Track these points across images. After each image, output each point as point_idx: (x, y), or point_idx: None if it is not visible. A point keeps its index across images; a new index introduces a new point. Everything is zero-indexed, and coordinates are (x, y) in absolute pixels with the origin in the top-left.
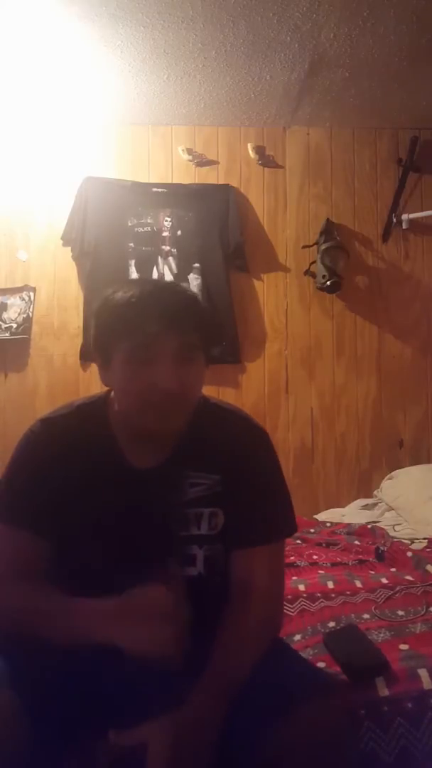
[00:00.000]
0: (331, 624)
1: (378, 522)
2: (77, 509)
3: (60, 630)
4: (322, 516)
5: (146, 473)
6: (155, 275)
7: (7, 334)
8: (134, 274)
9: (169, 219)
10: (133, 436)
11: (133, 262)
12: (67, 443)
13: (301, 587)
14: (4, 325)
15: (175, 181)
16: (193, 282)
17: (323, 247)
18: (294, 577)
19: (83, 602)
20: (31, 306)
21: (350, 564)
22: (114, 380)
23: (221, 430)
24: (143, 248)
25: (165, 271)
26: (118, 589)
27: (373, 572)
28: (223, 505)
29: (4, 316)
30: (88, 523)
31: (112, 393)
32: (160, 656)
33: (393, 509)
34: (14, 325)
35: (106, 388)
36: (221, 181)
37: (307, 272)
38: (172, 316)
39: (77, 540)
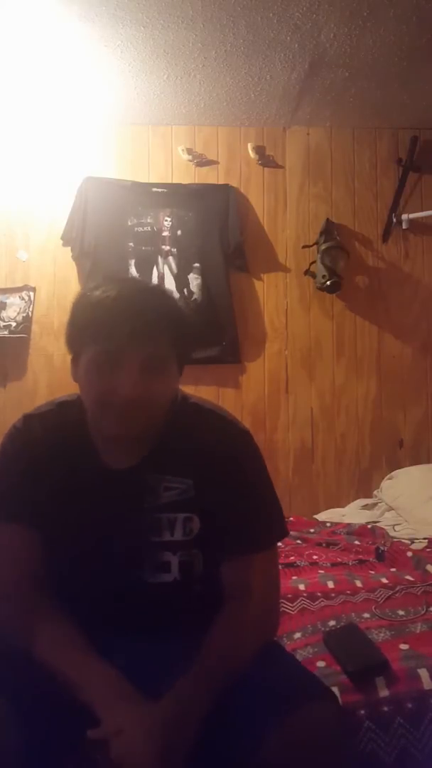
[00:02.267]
0: (332, 623)
1: (378, 522)
2: (56, 509)
3: (57, 675)
4: (322, 516)
5: (120, 474)
6: (155, 275)
7: (5, 332)
8: (134, 274)
9: (169, 219)
10: (103, 436)
11: (133, 262)
12: (47, 441)
13: (301, 587)
14: (2, 324)
15: (175, 181)
16: (193, 282)
17: (323, 247)
18: (294, 577)
19: (93, 665)
20: (31, 306)
21: (350, 564)
22: (79, 379)
23: (199, 433)
24: (143, 248)
25: (165, 271)
26: (98, 593)
27: (373, 572)
28: (199, 511)
29: (3, 314)
30: (64, 522)
31: None
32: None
33: (393, 509)
34: (13, 324)
35: None
36: (221, 181)
37: (307, 272)
38: (143, 325)
39: (55, 539)
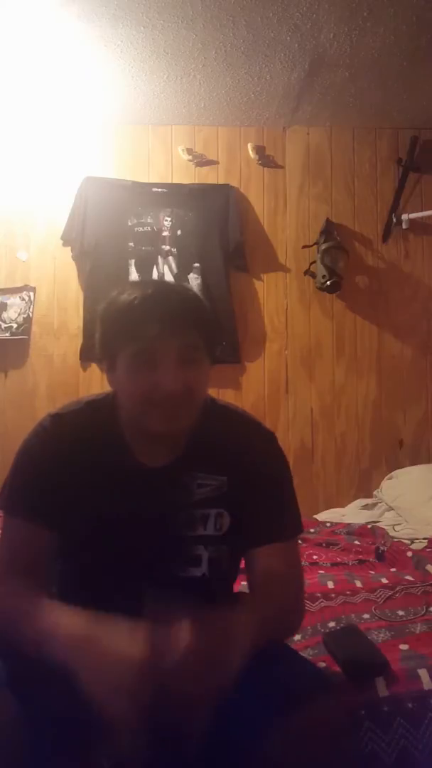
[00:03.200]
0: (331, 624)
1: (378, 522)
2: (85, 506)
3: (29, 633)
4: (322, 516)
5: (154, 472)
6: (155, 275)
7: (7, 334)
8: (134, 274)
9: (169, 219)
10: (141, 436)
11: (133, 262)
12: (77, 440)
13: None
14: (4, 325)
15: (175, 181)
16: (193, 282)
17: (323, 247)
18: None
19: (60, 607)
20: (31, 306)
21: (350, 564)
22: (119, 383)
23: (230, 432)
24: (143, 248)
25: (165, 270)
26: (124, 589)
27: (373, 572)
28: (230, 507)
29: (4, 315)
30: (95, 520)
31: None
32: (116, 717)
33: (393, 509)
34: (14, 325)
35: (105, 389)
36: (221, 181)
37: (307, 272)
38: (173, 318)
39: (84, 537)
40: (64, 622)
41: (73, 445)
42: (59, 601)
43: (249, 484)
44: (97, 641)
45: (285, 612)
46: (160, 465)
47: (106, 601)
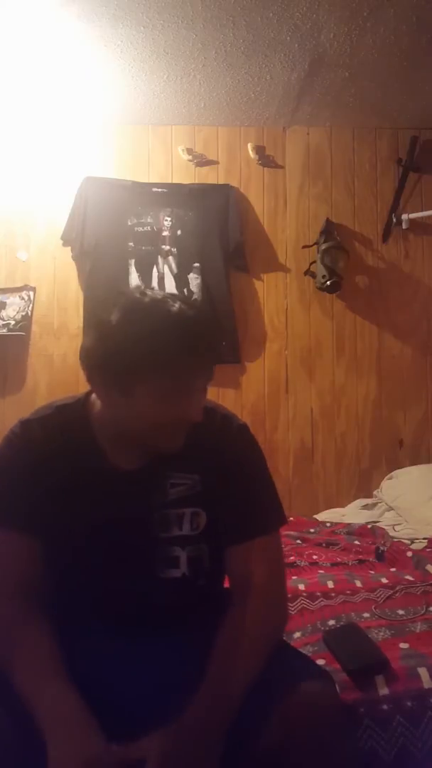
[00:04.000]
0: (331, 622)
1: (378, 522)
2: (60, 511)
3: (14, 678)
4: (322, 516)
5: (129, 474)
6: (155, 275)
7: (4, 331)
8: (134, 274)
9: (169, 219)
10: (116, 439)
11: (133, 262)
12: (48, 445)
13: (301, 587)
14: (1, 322)
15: (175, 181)
16: (193, 282)
17: (323, 247)
18: (294, 577)
19: (46, 674)
20: (31, 305)
21: (350, 564)
22: (136, 410)
23: (201, 430)
24: (143, 248)
25: (165, 270)
26: (106, 592)
27: (373, 572)
28: (205, 505)
29: (3, 313)
30: (71, 525)
31: (93, 396)
32: None
33: (393, 509)
34: (12, 322)
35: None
36: (221, 181)
37: (307, 272)
38: (203, 350)
39: (62, 542)
40: (47, 700)
41: (44, 451)
42: (51, 627)
43: (223, 480)
44: (71, 742)
45: (270, 621)
46: (134, 467)
47: (90, 601)
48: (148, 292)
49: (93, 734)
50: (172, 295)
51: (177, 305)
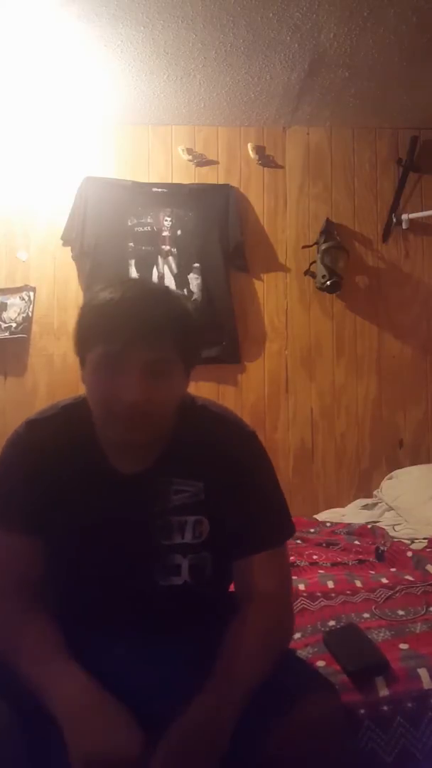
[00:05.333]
0: (331, 623)
1: (378, 522)
2: (62, 512)
3: (24, 670)
4: (322, 516)
5: (130, 478)
6: (155, 275)
7: (6, 334)
8: (134, 274)
9: (169, 219)
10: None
11: (133, 262)
12: (52, 446)
13: (301, 587)
14: (3, 325)
15: (175, 181)
16: (193, 282)
17: (323, 247)
18: (294, 577)
19: (61, 659)
20: (31, 306)
21: (350, 564)
22: (86, 382)
23: (207, 436)
24: (143, 248)
25: (165, 270)
26: (105, 595)
27: (373, 572)
28: (209, 513)
29: (4, 315)
30: (73, 527)
31: None
32: None
33: (393, 509)
34: (14, 325)
35: None
36: (221, 181)
37: (307, 272)
38: (147, 328)
39: (64, 544)
40: (65, 683)
41: (48, 452)
42: (56, 622)
43: (228, 488)
44: (96, 720)
45: (276, 632)
46: (136, 471)
47: (91, 607)
48: (137, 278)
49: (125, 725)
50: (150, 282)
51: (142, 287)
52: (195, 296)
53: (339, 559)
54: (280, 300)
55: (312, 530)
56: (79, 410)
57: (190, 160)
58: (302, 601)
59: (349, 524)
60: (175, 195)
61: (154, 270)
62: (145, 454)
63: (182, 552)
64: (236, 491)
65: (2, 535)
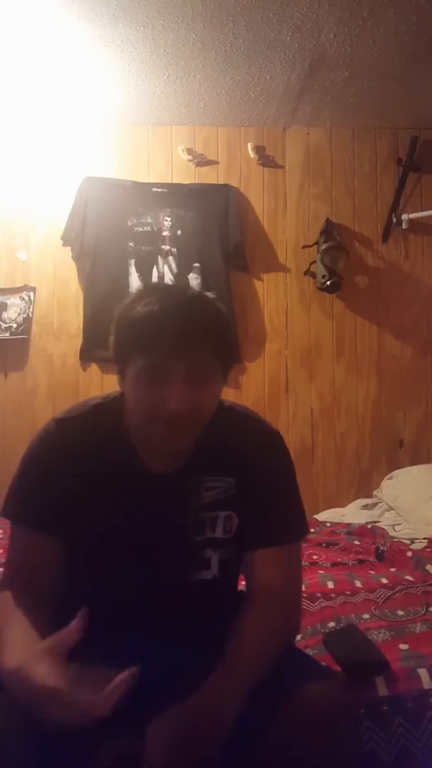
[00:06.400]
0: (331, 624)
1: (378, 522)
2: (92, 511)
3: None
4: (322, 516)
5: (162, 477)
6: (155, 275)
7: (6, 334)
8: (134, 274)
9: (169, 219)
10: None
11: (133, 262)
12: (83, 444)
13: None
14: (4, 325)
15: (175, 180)
16: (193, 282)
17: (323, 247)
18: None
19: (15, 636)
20: (31, 306)
21: (350, 564)
22: (127, 391)
23: (236, 434)
24: (143, 248)
25: (165, 270)
26: (135, 594)
27: (373, 572)
28: (238, 509)
29: (4, 316)
30: (103, 525)
31: None
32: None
33: (393, 509)
34: (14, 325)
35: (104, 390)
36: (221, 181)
37: (307, 272)
38: (190, 336)
39: (93, 543)
40: (8, 650)
41: (79, 451)
42: (58, 612)
43: (256, 484)
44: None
45: (283, 626)
46: (168, 470)
47: (117, 608)
48: (169, 284)
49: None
50: (186, 288)
51: (180, 295)
52: None
53: (339, 559)
54: (280, 300)
55: (312, 530)
56: (109, 409)
57: (190, 160)
58: (302, 602)
59: (349, 524)
60: (175, 195)
61: (154, 270)
62: (177, 454)
63: (213, 546)
64: (264, 486)
65: (23, 531)
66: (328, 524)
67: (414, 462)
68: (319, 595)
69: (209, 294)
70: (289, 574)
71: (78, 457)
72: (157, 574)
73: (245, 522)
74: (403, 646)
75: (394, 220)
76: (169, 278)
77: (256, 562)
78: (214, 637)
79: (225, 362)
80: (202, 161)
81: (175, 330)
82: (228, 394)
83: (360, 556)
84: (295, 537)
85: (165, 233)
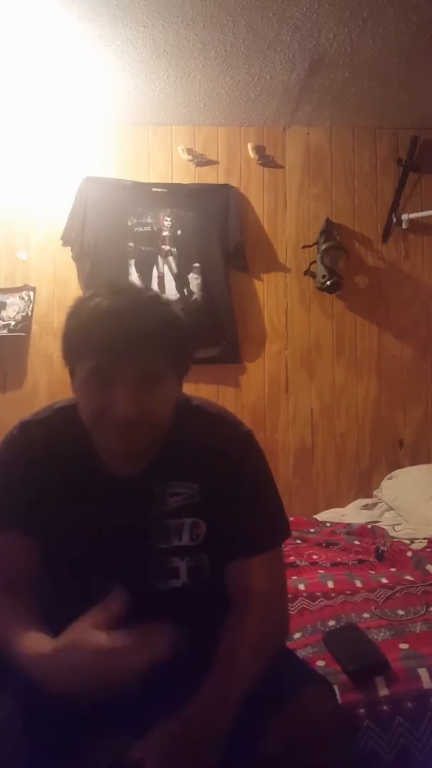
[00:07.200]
0: (331, 623)
1: (378, 522)
2: (58, 514)
3: (9, 657)
4: (322, 516)
5: (125, 482)
6: (155, 275)
7: (5, 331)
8: (134, 274)
9: (169, 219)
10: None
11: (133, 262)
12: (46, 448)
13: (301, 587)
14: (2, 323)
15: (175, 180)
16: (193, 282)
17: (323, 247)
18: (294, 577)
19: (26, 640)
20: (31, 305)
21: (350, 564)
22: (76, 393)
23: (203, 437)
24: (143, 248)
25: (165, 270)
26: (96, 599)
27: (373, 572)
28: (205, 515)
29: (3, 314)
30: (68, 530)
31: None
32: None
33: (393, 509)
34: (12, 323)
35: None
36: (221, 181)
37: (307, 272)
38: (137, 341)
39: (59, 546)
40: (28, 652)
41: (42, 454)
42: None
43: (224, 490)
44: (62, 660)
45: (272, 633)
46: (131, 474)
47: (85, 611)
48: (128, 283)
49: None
50: (146, 289)
51: (131, 295)
52: (195, 296)
53: (339, 559)
54: (280, 300)
55: (312, 530)
56: (73, 412)
57: (190, 160)
58: (302, 601)
59: (349, 524)
60: (175, 195)
61: (154, 270)
62: (139, 458)
63: (180, 555)
64: (232, 492)
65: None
66: (328, 524)
67: (414, 462)
68: (319, 594)
69: (166, 297)
70: (274, 580)
71: (41, 460)
72: (125, 582)
73: (217, 530)
74: (403, 646)
75: (394, 220)
76: (169, 278)
77: (238, 571)
78: (198, 646)
79: (179, 366)
80: (202, 161)
81: (123, 331)
82: (228, 395)
83: (360, 556)
84: (276, 543)
85: (165, 233)
